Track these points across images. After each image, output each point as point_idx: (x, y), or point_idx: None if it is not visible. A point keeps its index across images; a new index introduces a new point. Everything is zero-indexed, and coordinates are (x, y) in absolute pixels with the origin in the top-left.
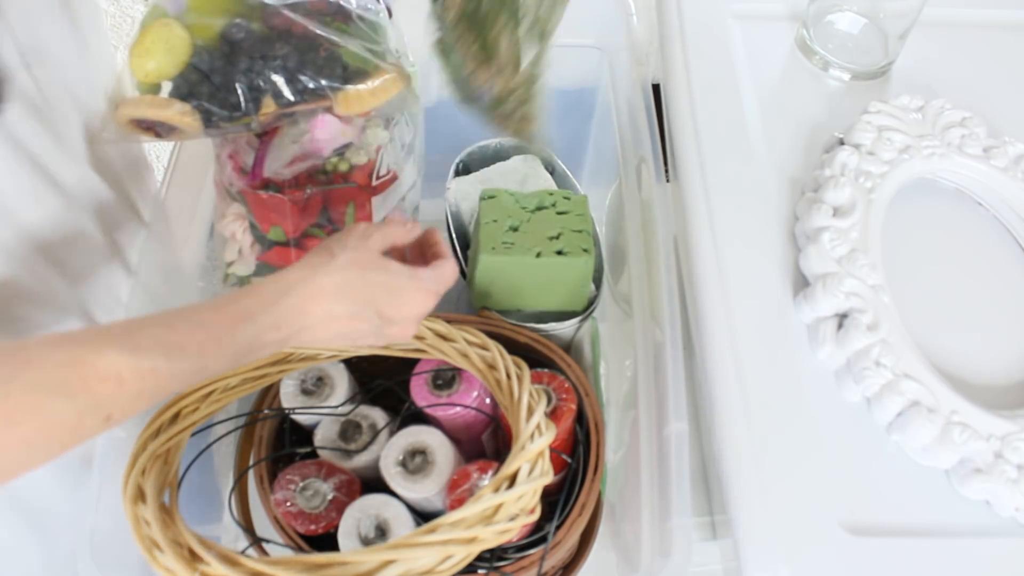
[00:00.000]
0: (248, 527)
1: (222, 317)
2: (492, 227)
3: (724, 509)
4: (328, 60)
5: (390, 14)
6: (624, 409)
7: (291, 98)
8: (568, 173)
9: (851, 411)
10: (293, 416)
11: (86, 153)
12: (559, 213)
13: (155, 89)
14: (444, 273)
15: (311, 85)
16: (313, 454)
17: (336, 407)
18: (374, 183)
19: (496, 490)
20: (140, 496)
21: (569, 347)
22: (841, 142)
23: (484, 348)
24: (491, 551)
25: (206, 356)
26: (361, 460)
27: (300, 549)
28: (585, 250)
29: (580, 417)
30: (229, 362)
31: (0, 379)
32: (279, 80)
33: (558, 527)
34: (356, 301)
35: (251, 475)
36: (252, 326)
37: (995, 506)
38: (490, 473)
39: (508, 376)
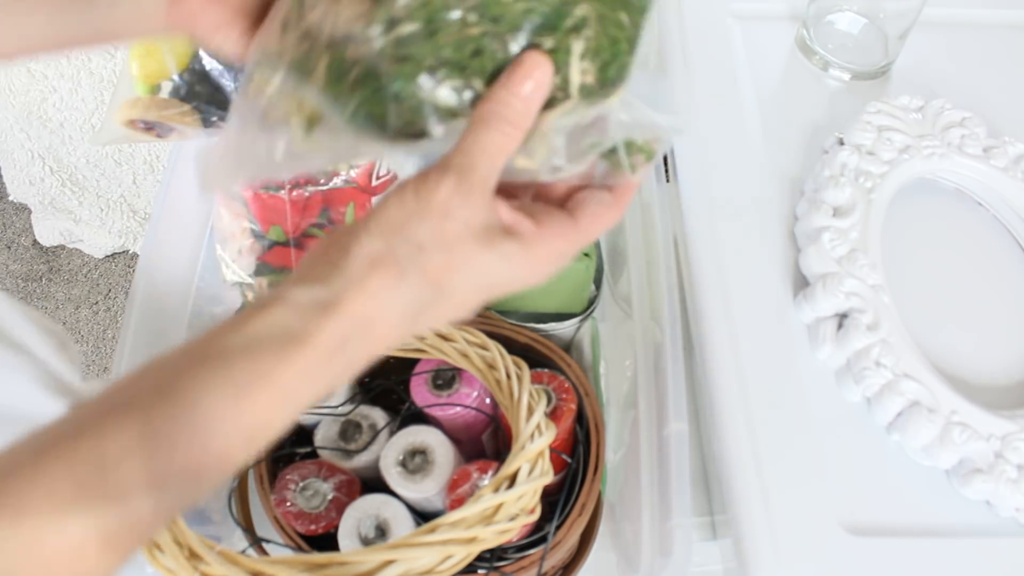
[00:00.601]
0: (248, 527)
1: (251, 412)
2: None
3: (724, 509)
4: None
5: None
6: (624, 409)
7: None
8: None
9: (851, 411)
10: None
11: None
12: None
13: (155, 90)
14: (601, 220)
15: None
16: (313, 454)
17: (336, 407)
18: (374, 183)
19: (496, 490)
20: None
21: (569, 347)
22: (841, 142)
23: (484, 348)
24: (491, 551)
25: (230, 462)
26: (361, 460)
27: (300, 549)
28: (586, 254)
29: (580, 417)
30: (259, 451)
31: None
32: None
33: (558, 527)
34: (440, 317)
35: (251, 475)
36: (296, 405)
37: (995, 506)
38: (490, 473)
39: (508, 376)
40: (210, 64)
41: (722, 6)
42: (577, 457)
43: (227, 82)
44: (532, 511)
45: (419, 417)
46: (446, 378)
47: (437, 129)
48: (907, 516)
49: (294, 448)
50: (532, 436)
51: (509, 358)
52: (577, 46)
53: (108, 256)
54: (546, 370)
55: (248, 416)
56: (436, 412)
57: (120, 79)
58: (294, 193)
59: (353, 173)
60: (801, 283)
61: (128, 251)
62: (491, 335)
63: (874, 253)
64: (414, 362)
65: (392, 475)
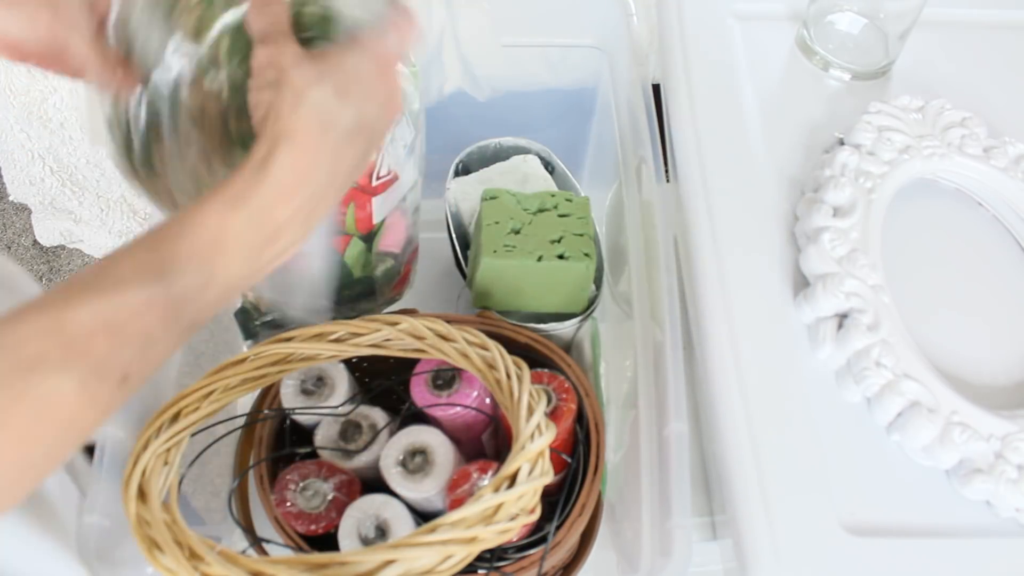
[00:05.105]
0: (248, 527)
1: (215, 210)
2: (494, 229)
3: (724, 509)
4: None
5: None
6: (624, 409)
7: None
8: (568, 173)
9: (851, 411)
10: (293, 416)
11: None
12: (561, 216)
13: None
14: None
15: None
16: (313, 454)
17: (336, 407)
18: (374, 183)
19: (496, 490)
20: (140, 496)
21: (569, 347)
22: (841, 142)
23: (484, 348)
24: (491, 551)
25: (209, 260)
26: (361, 460)
27: (300, 549)
28: (586, 254)
29: (580, 417)
30: (242, 264)
31: None
32: None
33: (558, 527)
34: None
35: (251, 475)
36: (262, 194)
37: (995, 506)
38: (490, 473)
39: (508, 376)
40: None
41: (722, 6)
42: (577, 457)
43: None
44: (532, 511)
45: (419, 417)
46: (446, 378)
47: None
48: (907, 516)
49: (294, 448)
50: (532, 436)
51: (509, 358)
52: None
53: None
54: (546, 370)
55: (207, 222)
56: (436, 412)
57: None
58: None
59: None
60: (801, 283)
61: None
62: (491, 335)
63: (874, 253)
64: (414, 362)
65: (392, 475)
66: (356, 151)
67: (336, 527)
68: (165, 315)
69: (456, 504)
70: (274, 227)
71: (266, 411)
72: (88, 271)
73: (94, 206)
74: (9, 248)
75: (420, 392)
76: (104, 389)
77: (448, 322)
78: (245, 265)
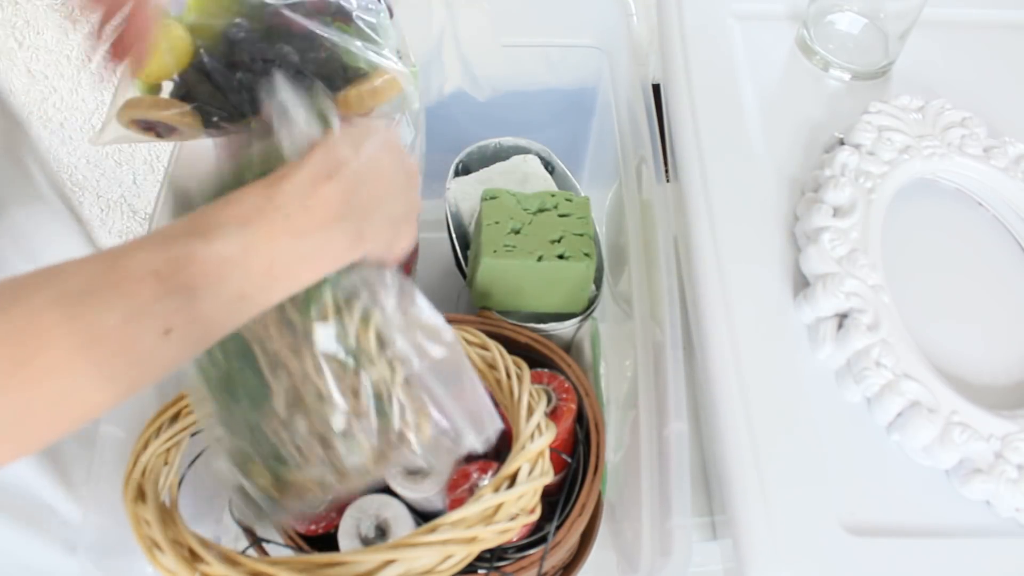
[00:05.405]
0: (248, 527)
1: (259, 184)
2: (494, 229)
3: (724, 509)
4: (328, 60)
5: (391, 14)
6: (624, 409)
7: None
8: (568, 173)
9: (851, 411)
10: None
11: None
12: (561, 215)
13: (155, 89)
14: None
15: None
16: None
17: None
18: None
19: (496, 490)
20: (140, 496)
21: (569, 347)
22: (841, 142)
23: (484, 348)
24: (491, 551)
25: (251, 223)
26: None
27: (300, 549)
28: (586, 254)
29: (580, 417)
30: (290, 239)
31: (11, 301)
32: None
33: (558, 527)
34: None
35: None
36: (300, 174)
37: (995, 506)
38: (490, 473)
39: (508, 376)
40: (211, 64)
41: (722, 6)
42: (577, 457)
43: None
44: (532, 511)
45: None
46: None
47: None
48: (907, 516)
49: None
50: (532, 436)
51: (509, 358)
52: None
53: None
54: (546, 370)
55: (252, 190)
56: None
57: (120, 79)
58: None
59: None
60: (801, 283)
61: None
62: (491, 335)
63: (874, 253)
64: None
65: (392, 475)
66: (396, 157)
67: (336, 527)
68: (206, 272)
69: (456, 504)
70: (321, 206)
71: None
72: (148, 233)
73: (94, 206)
74: None
75: None
76: (146, 335)
77: (448, 322)
78: (294, 242)
